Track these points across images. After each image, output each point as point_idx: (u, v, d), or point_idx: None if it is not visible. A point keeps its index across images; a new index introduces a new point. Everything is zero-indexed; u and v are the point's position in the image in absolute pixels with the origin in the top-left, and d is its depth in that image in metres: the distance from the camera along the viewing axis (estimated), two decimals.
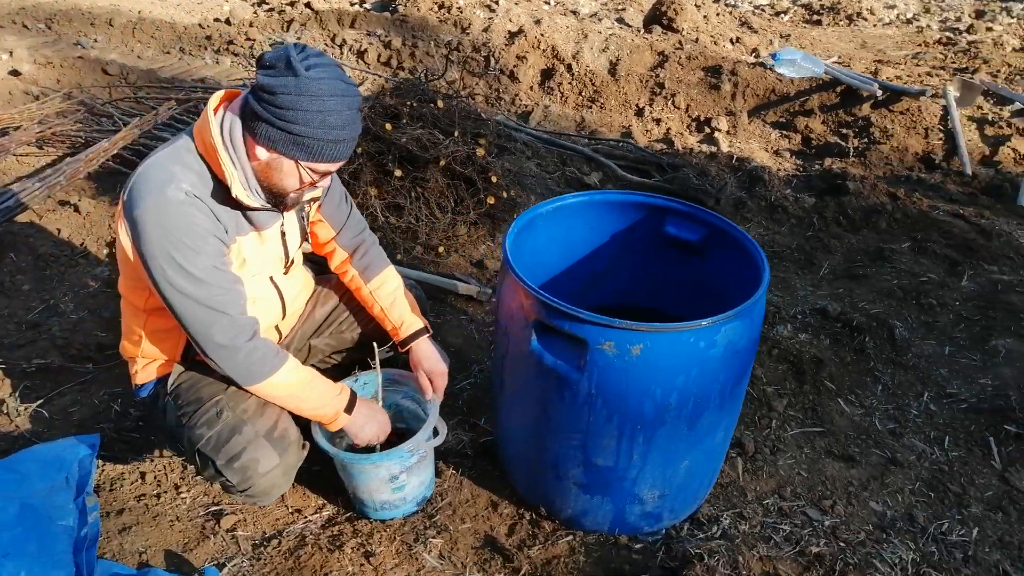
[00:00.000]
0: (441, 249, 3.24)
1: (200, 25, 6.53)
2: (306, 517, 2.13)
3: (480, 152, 3.22)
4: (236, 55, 6.18)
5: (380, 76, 5.83)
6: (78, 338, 2.79)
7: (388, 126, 3.05)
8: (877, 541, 2.14)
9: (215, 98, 1.70)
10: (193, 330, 1.70)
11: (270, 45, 6.34)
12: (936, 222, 3.84)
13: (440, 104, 3.24)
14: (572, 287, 2.40)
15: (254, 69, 5.59)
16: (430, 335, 2.12)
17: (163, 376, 1.93)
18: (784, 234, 3.92)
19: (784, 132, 5.58)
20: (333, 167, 1.70)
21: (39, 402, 2.50)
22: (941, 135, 5.18)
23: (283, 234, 1.91)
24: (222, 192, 1.69)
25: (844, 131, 5.42)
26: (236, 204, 1.71)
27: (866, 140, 5.23)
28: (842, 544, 2.11)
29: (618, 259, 2.39)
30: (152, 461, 2.28)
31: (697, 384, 1.81)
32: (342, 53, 6.35)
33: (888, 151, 5.09)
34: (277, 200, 1.74)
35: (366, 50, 6.28)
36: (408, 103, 3.17)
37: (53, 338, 2.78)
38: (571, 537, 2.10)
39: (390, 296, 2.10)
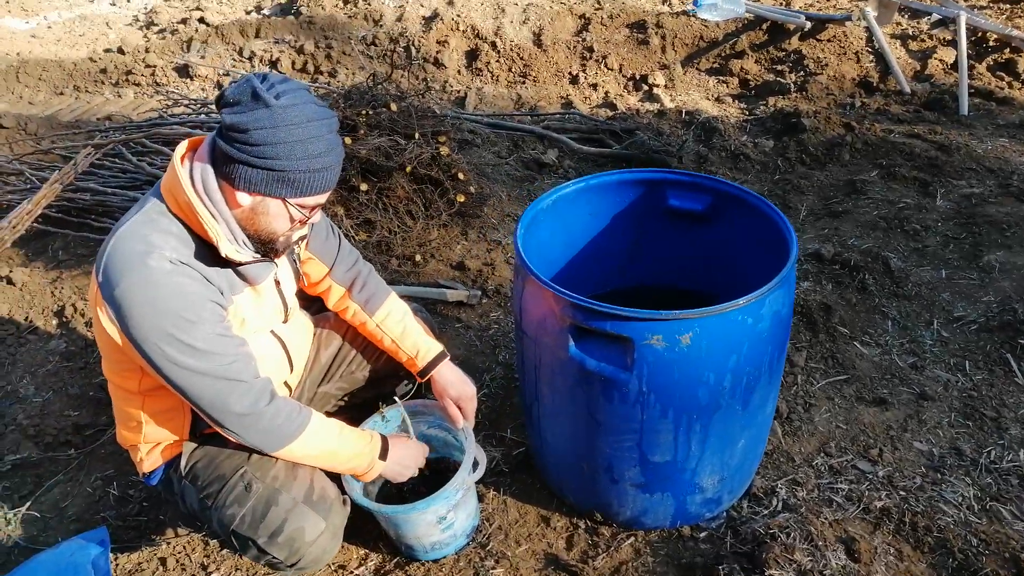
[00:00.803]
0: (418, 257, 3.08)
1: (91, 59, 6.04)
2: (353, 572, 1.98)
3: (444, 151, 3.06)
4: (138, 85, 5.79)
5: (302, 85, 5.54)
6: (50, 423, 2.54)
7: (347, 140, 2.85)
8: (934, 483, 2.11)
9: (180, 149, 1.51)
10: (207, 405, 1.52)
11: (173, 69, 5.96)
12: (896, 146, 3.85)
13: (393, 107, 3.05)
14: (580, 277, 2.28)
15: (165, 99, 5.27)
16: (449, 358, 1.97)
17: (173, 458, 1.74)
18: (752, 182, 3.88)
19: (720, 78, 5.54)
20: (323, 198, 1.54)
21: (27, 504, 2.26)
22: (872, 57, 5.23)
23: (278, 283, 1.73)
24: (207, 252, 1.51)
25: (779, 67, 5.41)
26: (225, 262, 1.53)
27: (803, 73, 5.24)
28: (902, 493, 2.07)
29: (623, 240, 2.29)
30: (169, 544, 2.08)
31: (748, 361, 1.72)
32: (253, 65, 6.02)
33: (826, 81, 5.10)
34: (267, 247, 1.57)
35: (278, 59, 5.97)
36: (362, 112, 2.97)
37: (22, 428, 2.52)
38: (633, 539, 2.01)
39: (399, 325, 1.94)
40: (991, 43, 5.18)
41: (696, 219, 2.17)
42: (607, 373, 1.71)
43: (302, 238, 1.78)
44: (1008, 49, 5.11)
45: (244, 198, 1.46)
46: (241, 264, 1.55)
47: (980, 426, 2.30)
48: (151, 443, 1.73)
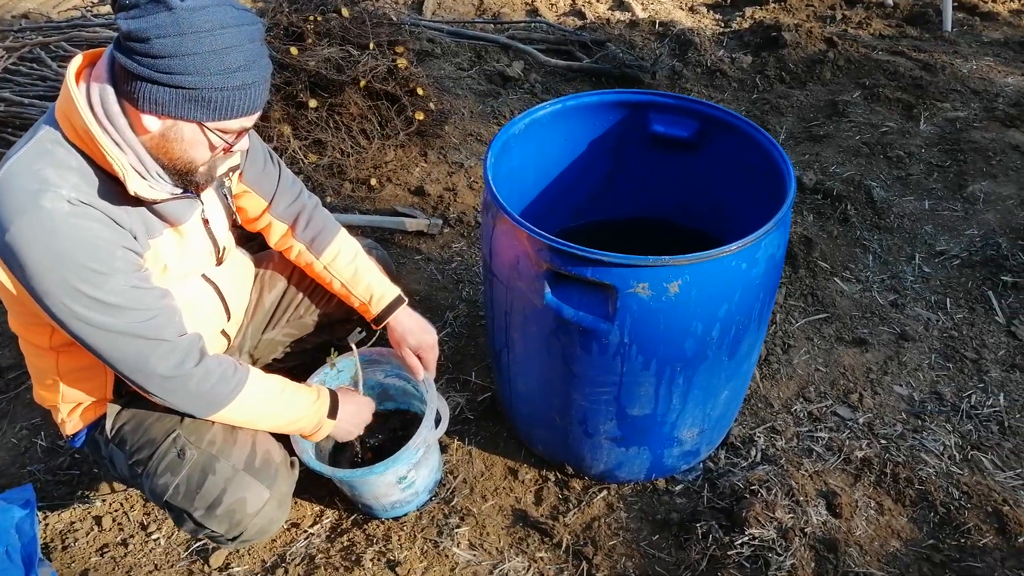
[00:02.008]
0: (374, 181, 2.83)
1: None
2: (306, 531, 1.84)
3: (401, 63, 2.76)
4: None
5: None
6: None
7: (294, 50, 2.53)
8: (915, 430, 2.03)
9: (74, 64, 1.24)
10: (126, 368, 1.31)
11: None
12: (879, 64, 3.66)
13: (345, 12, 2.72)
14: (553, 208, 2.09)
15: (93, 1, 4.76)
16: (407, 303, 1.77)
17: (98, 419, 1.54)
18: (728, 100, 3.67)
19: None
20: (248, 121, 1.29)
21: None
22: None
23: (206, 222, 1.49)
24: (115, 189, 1.26)
25: None
26: (137, 200, 1.28)
27: None
28: (883, 442, 1.99)
29: (600, 168, 2.09)
30: (104, 501, 1.92)
31: (739, 309, 1.58)
32: None
33: None
34: (185, 180, 1.32)
35: None
36: (310, 18, 2.63)
37: None
38: (605, 492, 1.90)
39: (350, 266, 1.72)
40: None
41: (681, 146, 1.98)
42: (586, 323, 1.55)
43: (233, 168, 1.54)
44: None
45: (152, 122, 1.21)
46: (156, 202, 1.31)
47: (960, 368, 2.23)
48: (71, 403, 1.52)
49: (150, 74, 1.15)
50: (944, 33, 4.22)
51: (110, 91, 1.20)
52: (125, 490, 1.94)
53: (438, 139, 3.12)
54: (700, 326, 1.55)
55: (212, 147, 1.28)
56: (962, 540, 1.73)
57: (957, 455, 1.96)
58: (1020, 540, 1.71)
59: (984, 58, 3.87)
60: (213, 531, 1.47)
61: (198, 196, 1.43)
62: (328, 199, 2.78)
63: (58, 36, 3.57)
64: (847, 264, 2.59)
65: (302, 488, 1.88)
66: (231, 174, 1.56)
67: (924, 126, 3.25)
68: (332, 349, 1.79)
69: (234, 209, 1.61)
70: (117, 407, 1.52)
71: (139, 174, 1.25)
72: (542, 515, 1.85)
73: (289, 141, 2.56)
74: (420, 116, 2.88)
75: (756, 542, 1.70)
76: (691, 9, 4.95)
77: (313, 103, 2.61)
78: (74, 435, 1.57)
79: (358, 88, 2.70)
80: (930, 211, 2.80)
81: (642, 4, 5.02)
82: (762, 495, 1.78)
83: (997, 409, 2.09)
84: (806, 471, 1.89)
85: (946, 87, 3.50)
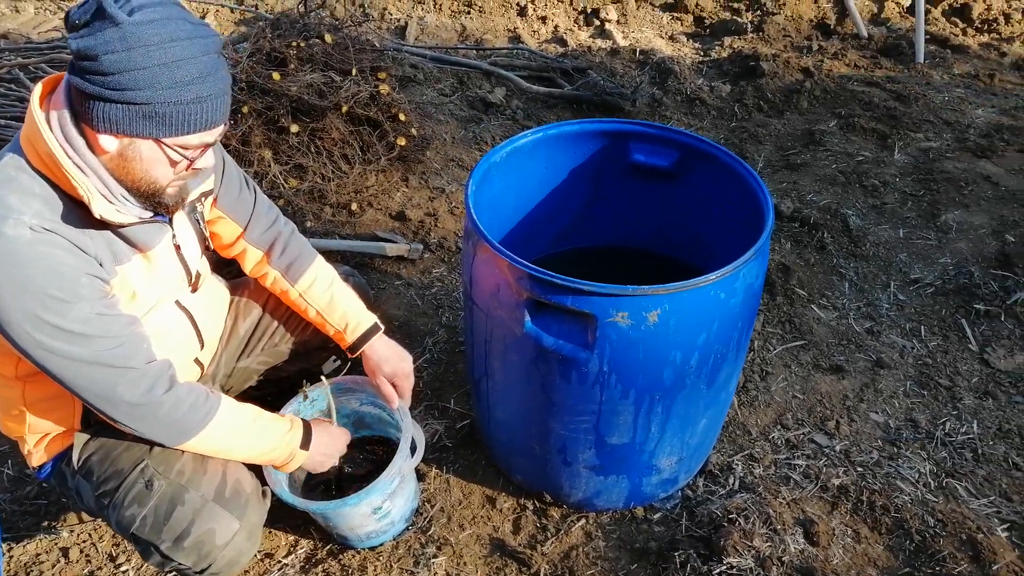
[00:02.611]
0: (354, 206, 2.82)
1: None
2: (280, 562, 1.81)
3: (384, 89, 2.77)
4: (39, 0, 5.20)
5: (224, 5, 5.07)
6: None
7: (276, 75, 2.52)
8: (891, 458, 2.04)
9: (36, 92, 1.22)
10: (92, 396, 1.29)
11: None
12: (855, 94, 3.73)
13: (328, 38, 2.72)
14: (533, 236, 2.10)
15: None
16: (383, 331, 1.76)
17: (65, 450, 1.51)
18: (707, 128, 3.71)
19: (674, 14, 5.30)
20: (209, 136, 1.26)
21: None
22: None
23: (177, 247, 1.47)
24: (80, 214, 1.25)
25: (735, 5, 5.20)
26: (104, 224, 1.27)
27: (759, 12, 5.05)
28: (860, 470, 2.00)
29: (580, 197, 2.10)
30: (72, 531, 1.87)
31: (718, 338, 1.58)
32: None
33: (783, 22, 4.93)
34: (154, 202, 1.30)
35: None
36: (293, 43, 2.63)
37: None
38: (584, 521, 1.89)
39: (325, 294, 1.71)
40: None
41: (661, 176, 1.99)
42: (565, 351, 1.55)
43: (207, 193, 1.52)
44: None
45: (108, 142, 1.19)
46: (123, 226, 1.29)
47: (935, 396, 2.25)
48: (38, 434, 1.49)
49: (101, 92, 1.14)
50: (917, 65, 4.31)
51: (67, 114, 1.19)
52: (94, 521, 1.90)
53: (420, 164, 3.13)
54: (679, 355, 1.55)
55: (172, 163, 1.25)
56: (938, 568, 1.74)
57: (932, 483, 1.97)
58: (994, 568, 1.72)
59: (956, 89, 3.96)
60: (180, 564, 1.44)
61: (169, 220, 1.42)
62: (309, 224, 2.77)
63: (38, 57, 3.55)
64: (824, 292, 2.62)
65: (276, 518, 1.85)
66: (204, 199, 1.55)
67: (898, 156, 3.31)
68: (304, 380, 1.77)
69: (207, 235, 1.59)
70: (85, 437, 1.48)
71: (104, 197, 1.24)
72: (520, 544, 1.84)
73: (270, 166, 2.55)
74: (402, 141, 2.88)
75: (734, 571, 1.69)
76: (671, 38, 5.03)
77: (295, 128, 2.60)
78: (40, 467, 1.53)
79: (340, 113, 2.71)
80: (905, 239, 2.84)
81: (623, 32, 5.09)
82: (740, 524, 1.78)
83: (971, 436, 2.11)
84: (784, 499, 1.89)
85: (919, 118, 3.57)
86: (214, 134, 1.27)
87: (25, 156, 1.22)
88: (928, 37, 4.58)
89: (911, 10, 4.85)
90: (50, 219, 1.21)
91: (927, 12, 4.83)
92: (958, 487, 1.97)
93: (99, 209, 1.22)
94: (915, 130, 3.49)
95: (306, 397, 1.76)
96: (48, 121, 1.20)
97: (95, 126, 1.17)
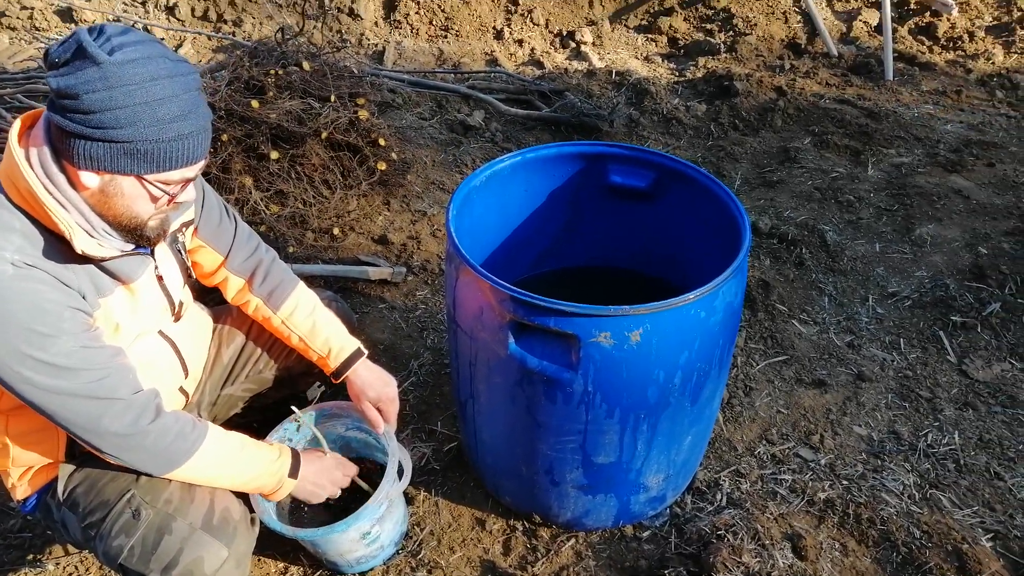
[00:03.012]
0: (336, 231, 2.83)
1: None
2: None
3: (363, 115, 2.78)
4: (13, 29, 5.18)
5: (202, 33, 5.09)
6: None
7: (255, 103, 2.54)
8: (875, 470, 2.06)
9: (15, 128, 1.23)
10: (79, 429, 1.28)
11: (55, 12, 5.36)
12: (827, 112, 3.81)
13: (306, 66, 2.74)
14: (515, 258, 2.11)
15: (44, 46, 4.73)
16: (366, 356, 1.76)
17: (50, 482, 1.49)
18: (684, 147, 3.76)
19: (649, 36, 5.38)
20: (190, 172, 1.28)
21: None
22: (799, 18, 5.17)
23: (160, 278, 1.47)
24: (61, 248, 1.25)
25: (708, 26, 5.29)
26: (86, 258, 1.27)
27: (732, 33, 5.14)
28: (845, 483, 2.02)
29: (560, 218, 2.12)
30: (59, 564, 1.85)
31: (700, 356, 1.60)
32: (147, 11, 5.48)
33: (756, 42, 5.02)
34: (136, 235, 1.31)
35: (176, 4, 5.45)
36: (271, 71, 2.65)
37: None
38: (573, 540, 1.89)
39: (308, 320, 1.71)
40: (912, 5, 5.19)
41: (639, 196, 2.02)
42: (550, 372, 1.56)
43: (187, 223, 1.53)
44: (928, 12, 5.14)
45: (90, 178, 1.20)
46: (104, 260, 1.30)
47: (916, 407, 2.28)
48: (21, 467, 1.47)
49: (83, 130, 1.15)
50: (887, 82, 4.41)
51: (47, 151, 1.19)
52: (80, 553, 1.87)
53: (401, 188, 3.14)
54: (662, 373, 1.56)
55: (154, 199, 1.26)
56: None
57: (916, 494, 1.99)
58: None
59: (924, 106, 4.05)
60: None
61: (151, 252, 1.42)
62: (291, 249, 2.77)
63: (13, 88, 3.54)
64: (804, 307, 2.65)
65: (265, 545, 1.84)
66: (185, 229, 1.55)
67: (872, 171, 3.38)
68: (292, 407, 1.76)
69: (189, 264, 1.59)
70: (70, 468, 1.47)
71: (86, 232, 1.24)
72: (510, 565, 1.83)
73: (251, 192, 2.55)
74: (382, 166, 2.90)
75: None
76: (646, 59, 5.10)
77: (275, 155, 2.61)
78: (24, 500, 1.51)
79: (320, 140, 2.72)
80: (881, 253, 2.88)
81: (598, 54, 5.16)
82: (729, 540, 1.79)
83: (953, 447, 2.14)
84: (771, 514, 1.90)
85: (891, 134, 3.65)
86: (195, 169, 1.28)
87: (4, 192, 1.22)
88: (896, 55, 4.69)
89: (879, 29, 4.97)
90: (31, 254, 1.21)
91: (894, 31, 4.95)
92: (942, 498, 1.99)
93: (81, 244, 1.22)
94: (887, 146, 3.56)
95: (289, 426, 1.75)
96: (28, 158, 1.20)
97: (76, 163, 1.18)
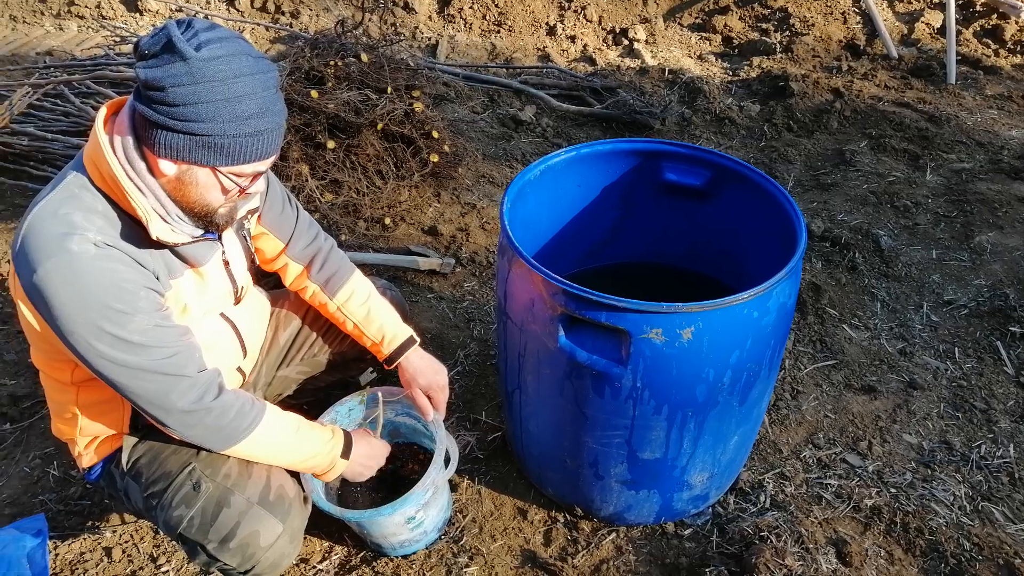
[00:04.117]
0: (388, 221, 2.88)
1: None
2: (316, 567, 1.84)
3: (418, 107, 2.83)
4: (82, 18, 5.36)
5: (260, 24, 5.20)
6: None
7: (314, 93, 2.60)
8: (925, 480, 2.03)
9: (102, 113, 1.29)
10: (146, 403, 1.34)
11: (121, 2, 5.52)
12: (885, 115, 3.73)
13: (364, 57, 2.79)
14: (565, 252, 2.13)
15: (112, 35, 4.89)
16: (419, 343, 1.80)
17: (114, 452, 1.56)
18: (736, 147, 3.73)
19: (703, 34, 5.33)
20: (262, 166, 1.32)
21: None
22: (859, 18, 5.06)
23: (226, 263, 1.53)
24: (138, 231, 1.31)
25: (764, 26, 5.21)
26: (159, 242, 1.33)
27: (788, 33, 5.05)
28: (893, 490, 1.99)
29: (612, 214, 2.13)
30: (115, 532, 1.92)
31: (751, 356, 1.60)
32: (208, 2, 5.62)
33: (813, 42, 4.93)
34: (206, 221, 1.37)
35: None
36: (331, 63, 2.71)
37: None
38: (614, 535, 1.90)
39: (363, 308, 1.75)
40: (978, 7, 5.05)
41: (693, 195, 2.02)
42: (599, 367, 1.57)
43: (252, 211, 1.58)
44: (995, 15, 4.98)
45: (168, 166, 1.26)
46: (177, 246, 1.35)
47: (970, 418, 2.23)
48: (88, 436, 1.54)
49: (166, 121, 1.20)
50: (948, 86, 4.29)
51: (130, 139, 1.25)
52: (136, 521, 1.95)
53: (452, 180, 3.18)
54: (712, 372, 1.57)
55: (225, 190, 1.32)
56: None
57: (967, 506, 1.96)
58: None
59: (988, 111, 3.94)
60: (226, 564, 1.48)
61: (219, 238, 1.47)
62: (343, 237, 2.82)
63: (82, 74, 3.67)
64: (855, 311, 2.61)
65: (312, 524, 1.87)
66: (250, 216, 1.60)
67: (930, 177, 3.30)
68: (349, 390, 1.81)
69: (253, 250, 1.65)
70: (133, 440, 1.54)
71: (161, 218, 1.30)
72: (551, 556, 1.85)
73: (307, 180, 2.61)
74: (435, 158, 2.94)
75: None
76: (700, 57, 5.05)
77: (331, 144, 2.67)
78: (90, 468, 1.59)
79: (375, 130, 2.77)
80: (937, 260, 2.82)
81: (651, 52, 5.13)
82: (772, 541, 1.78)
83: (1007, 460, 2.09)
84: (815, 518, 1.89)
85: (951, 139, 3.56)
86: (267, 164, 1.33)
87: (88, 175, 1.28)
88: (959, 58, 4.57)
89: (942, 31, 4.84)
90: (112, 236, 1.27)
91: (958, 33, 4.81)
92: (994, 511, 1.95)
93: (156, 231, 1.28)
94: (947, 151, 3.48)
95: (340, 407, 1.80)
96: (112, 144, 1.26)
97: (156, 151, 1.23)
